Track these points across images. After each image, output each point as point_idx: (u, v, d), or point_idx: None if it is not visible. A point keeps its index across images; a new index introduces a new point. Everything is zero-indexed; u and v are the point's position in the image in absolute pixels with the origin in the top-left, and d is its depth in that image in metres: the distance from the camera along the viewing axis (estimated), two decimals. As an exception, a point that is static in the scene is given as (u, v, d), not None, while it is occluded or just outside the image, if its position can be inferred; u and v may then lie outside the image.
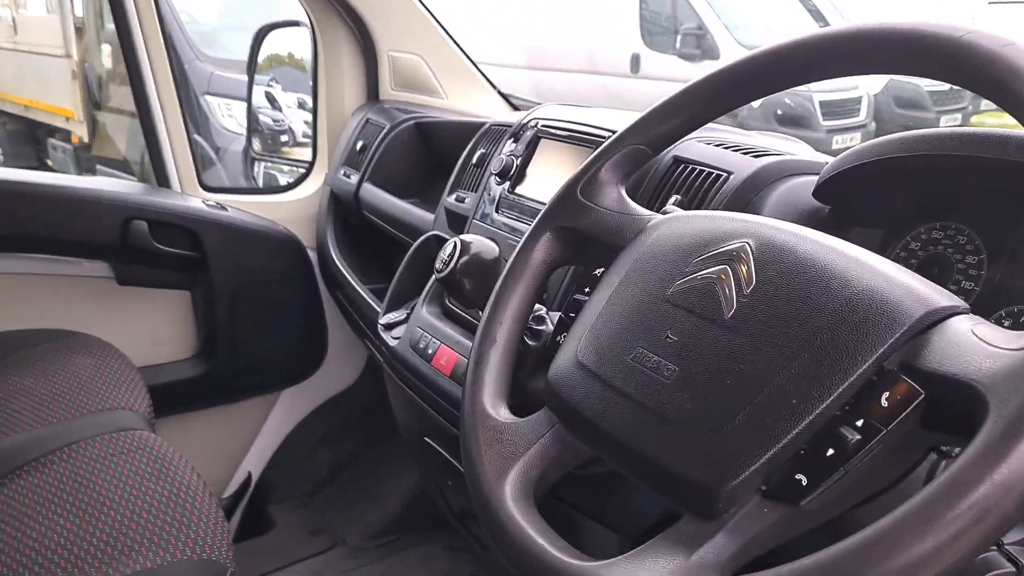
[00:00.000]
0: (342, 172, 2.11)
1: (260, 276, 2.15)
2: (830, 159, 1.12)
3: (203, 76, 6.39)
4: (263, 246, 2.14)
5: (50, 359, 1.69)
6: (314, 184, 2.30)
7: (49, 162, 8.23)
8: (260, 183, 2.80)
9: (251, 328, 2.17)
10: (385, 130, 2.02)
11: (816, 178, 1.05)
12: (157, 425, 2.12)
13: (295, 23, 2.34)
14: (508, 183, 1.34)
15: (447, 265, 0.97)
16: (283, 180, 2.94)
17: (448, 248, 0.99)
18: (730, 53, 8.10)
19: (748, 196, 1.03)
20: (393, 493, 2.16)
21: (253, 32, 2.39)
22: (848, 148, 1.01)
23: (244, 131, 5.56)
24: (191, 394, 2.17)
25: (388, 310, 1.53)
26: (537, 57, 8.46)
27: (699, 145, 1.12)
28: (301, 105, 3.76)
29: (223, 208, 2.12)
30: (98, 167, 7.57)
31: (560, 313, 0.86)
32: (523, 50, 8.36)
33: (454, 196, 1.51)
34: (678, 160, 1.11)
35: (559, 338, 0.83)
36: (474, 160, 1.49)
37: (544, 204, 1.24)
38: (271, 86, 4.04)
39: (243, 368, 2.19)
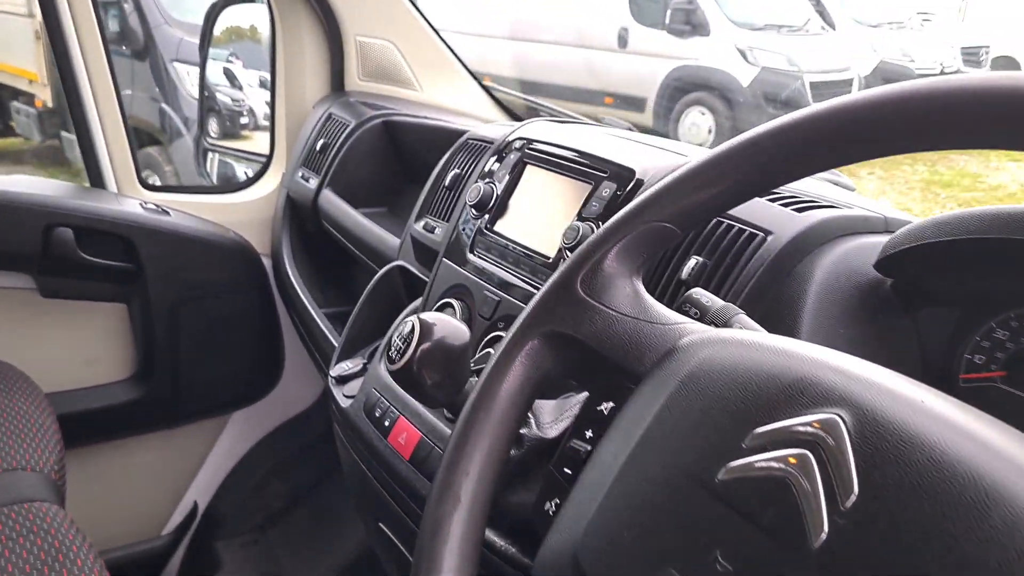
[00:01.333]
0: (300, 174, 1.85)
1: (206, 288, 1.90)
2: (888, 212, 0.89)
3: (172, 42, 6.07)
4: (210, 255, 1.89)
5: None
6: (270, 183, 2.04)
7: (13, 125, 7.87)
8: (214, 175, 2.54)
9: (196, 345, 1.92)
10: (349, 128, 1.77)
11: (875, 238, 0.83)
12: (91, 451, 1.89)
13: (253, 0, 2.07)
14: (486, 216, 1.09)
15: (402, 354, 0.73)
16: (241, 172, 2.68)
17: (404, 329, 0.75)
18: (721, 29, 7.86)
19: (792, 263, 0.80)
20: (351, 536, 1.94)
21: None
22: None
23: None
24: (129, 419, 1.92)
25: (342, 357, 1.29)
26: (519, 28, 8.15)
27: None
28: (263, 84, 3.46)
29: (164, 212, 1.86)
30: (63, 133, 7.24)
31: (551, 467, 0.63)
32: (504, 20, 8.05)
33: (423, 223, 1.27)
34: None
35: (548, 505, 0.59)
36: (447, 181, 1.24)
37: (528, 249, 1.01)
38: (230, 62, 3.73)
39: (187, 390, 1.95)
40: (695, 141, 7.83)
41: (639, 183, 0.92)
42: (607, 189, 0.94)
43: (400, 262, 1.33)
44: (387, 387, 1.10)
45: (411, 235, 1.29)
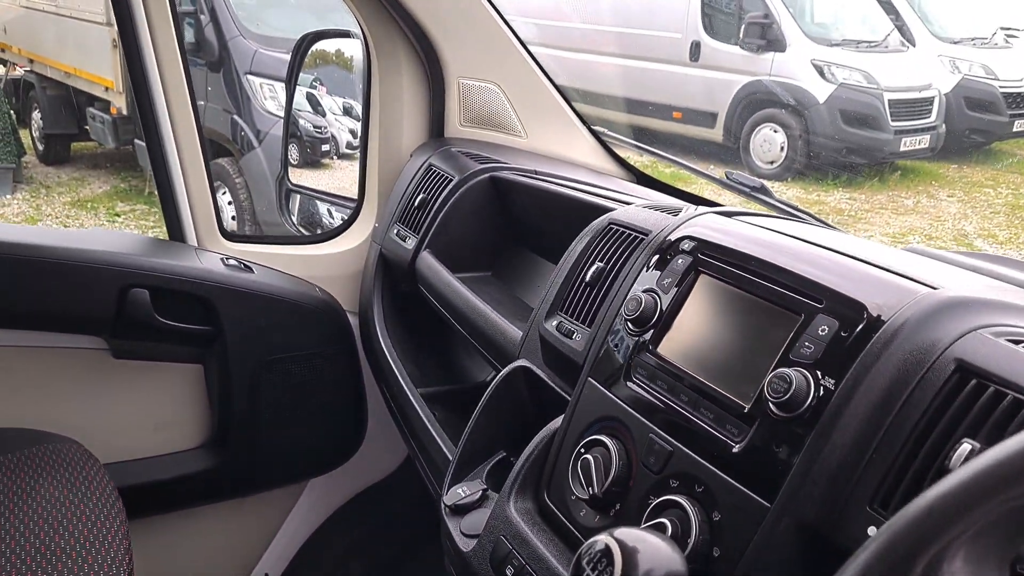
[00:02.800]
0: (395, 231, 1.68)
1: (289, 351, 1.74)
2: None
3: (246, 54, 6.04)
4: (295, 315, 1.73)
5: (14, 484, 1.30)
6: (359, 234, 1.88)
7: (88, 129, 7.98)
8: (295, 216, 2.41)
9: (276, 413, 1.77)
10: (453, 183, 1.59)
11: None
12: (158, 523, 1.75)
13: (346, 34, 1.91)
14: (647, 335, 0.90)
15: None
16: (325, 209, 2.52)
17: (594, 549, 0.56)
18: (797, 44, 7.60)
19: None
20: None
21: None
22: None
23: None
24: (200, 488, 1.78)
25: (456, 477, 1.11)
26: (587, 40, 7.96)
27: (996, 342, 0.67)
28: (348, 111, 3.32)
29: (247, 268, 1.71)
30: (136, 142, 7.30)
31: None
32: (563, 30, 7.86)
33: (556, 322, 1.07)
34: (967, 372, 0.66)
35: None
36: (587, 276, 1.05)
37: (711, 388, 0.81)
38: (314, 87, 3.60)
39: (264, 457, 1.80)
40: (767, 158, 7.57)
41: (874, 323, 0.71)
42: (824, 326, 0.74)
43: (524, 362, 1.14)
44: (521, 538, 0.92)
45: (540, 334, 1.10)
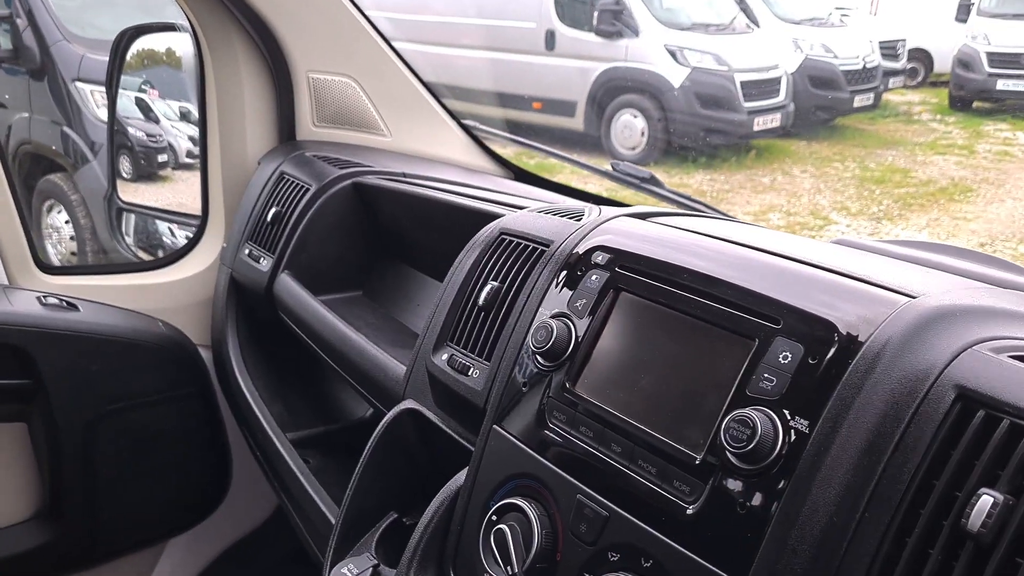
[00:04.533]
0: (247, 251, 1.46)
1: (130, 399, 1.49)
2: None
3: (72, 59, 5.54)
4: (134, 357, 1.48)
5: None
6: (206, 256, 1.64)
7: None
8: (130, 236, 2.10)
9: (119, 470, 1.51)
10: (310, 193, 1.38)
11: None
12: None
13: (171, 27, 1.66)
14: (562, 370, 0.73)
15: None
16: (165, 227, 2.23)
17: None
18: (650, 29, 7.73)
19: None
20: None
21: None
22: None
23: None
24: (34, 568, 1.50)
25: (340, 550, 0.91)
26: (440, 33, 7.79)
27: (999, 361, 0.55)
28: (185, 116, 3.01)
29: (70, 306, 1.44)
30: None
31: None
32: (417, 24, 7.68)
33: (446, 356, 0.90)
34: (971, 401, 0.53)
35: None
36: (480, 299, 0.88)
37: (649, 434, 0.66)
38: (143, 91, 3.25)
39: (110, 523, 1.53)
40: (628, 144, 7.66)
41: (848, 345, 0.57)
42: (786, 352, 0.60)
43: (411, 403, 0.95)
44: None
45: (428, 370, 0.92)
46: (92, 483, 1.49)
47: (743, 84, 7.61)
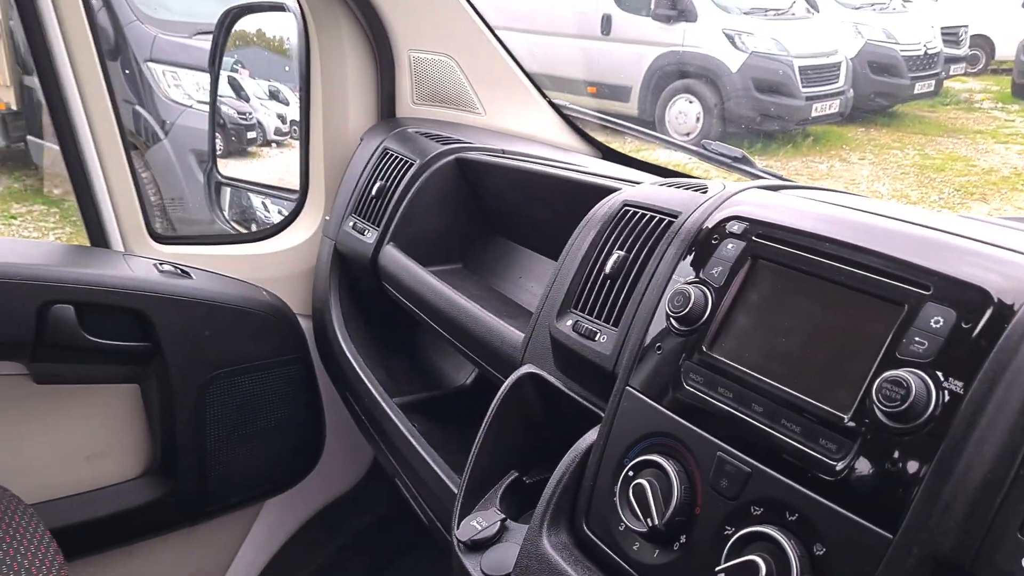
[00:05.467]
0: (351, 224, 1.51)
1: (237, 363, 1.56)
2: None
3: (145, 40, 5.68)
4: (241, 324, 1.55)
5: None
6: (306, 229, 1.70)
7: (-25, 131, 7.46)
8: (227, 211, 2.18)
9: (225, 431, 1.58)
10: (414, 168, 1.43)
11: None
12: (100, 562, 1.55)
13: (279, 6, 1.72)
14: (699, 334, 0.77)
15: None
16: (259, 202, 2.31)
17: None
18: (709, 14, 7.65)
19: None
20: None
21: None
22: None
23: (193, 103, 4.88)
24: (144, 521, 1.58)
25: (467, 505, 0.96)
26: (493, 17, 7.81)
27: None
28: (274, 95, 3.08)
29: (184, 273, 1.52)
30: (29, 138, 6.85)
31: None
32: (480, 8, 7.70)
33: (570, 322, 0.94)
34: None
35: None
36: (608, 268, 0.91)
37: (794, 395, 0.69)
38: (236, 71, 3.34)
39: (215, 481, 1.61)
40: (683, 130, 7.61)
41: (1003, 311, 0.60)
42: (938, 317, 0.62)
43: (531, 368, 1.00)
44: (556, 572, 0.78)
45: (552, 335, 0.96)
46: (202, 443, 1.56)
47: (802, 69, 7.51)
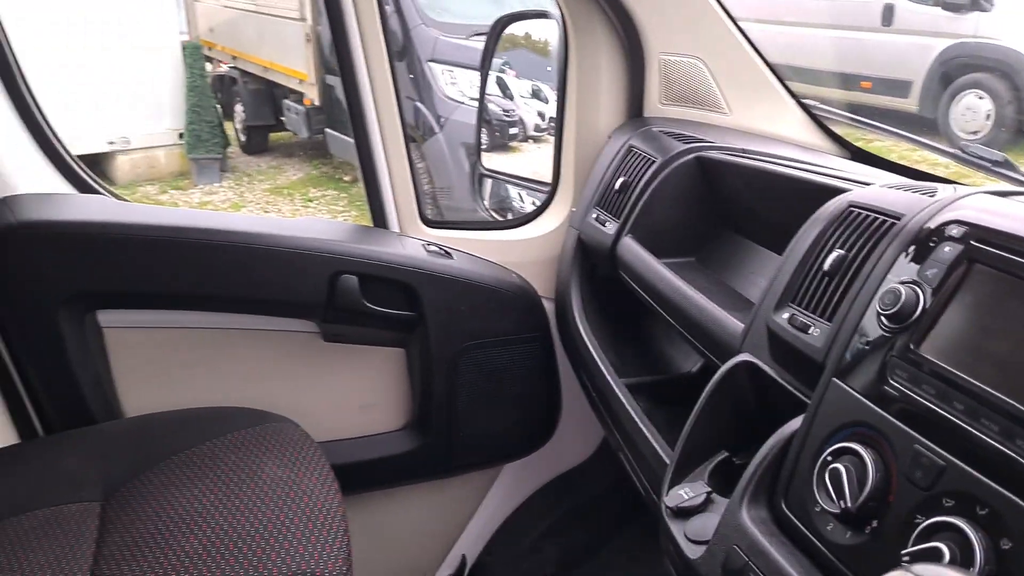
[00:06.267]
0: (594, 216, 1.63)
1: (487, 337, 1.74)
2: None
3: (428, 41, 6.19)
4: (492, 301, 1.73)
5: (240, 463, 1.37)
6: (555, 219, 1.85)
7: (284, 120, 8.51)
8: (487, 201, 2.42)
9: (473, 397, 1.78)
10: (656, 165, 1.52)
11: None
12: (363, 500, 1.80)
13: (542, 14, 1.88)
14: (907, 332, 0.80)
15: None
16: (515, 193, 2.52)
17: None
18: (1005, 2, 6.90)
19: None
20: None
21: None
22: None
23: (466, 100, 5.25)
24: (403, 469, 1.82)
25: (677, 477, 1.05)
26: (764, 8, 7.54)
27: None
28: (535, 94, 3.31)
29: (447, 254, 1.72)
30: (327, 131, 7.69)
31: None
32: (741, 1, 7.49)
33: (787, 315, 0.99)
34: None
35: None
36: (827, 265, 0.96)
37: (987, 390, 0.71)
38: (503, 72, 3.61)
39: (462, 441, 1.81)
40: (969, 128, 6.93)
41: None
42: None
43: (747, 357, 1.06)
44: (758, 550, 0.85)
45: (768, 327, 1.02)
46: (453, 405, 1.77)
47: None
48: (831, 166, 1.43)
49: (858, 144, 1.79)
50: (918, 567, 0.53)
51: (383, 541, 1.88)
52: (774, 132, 1.72)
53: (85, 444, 1.49)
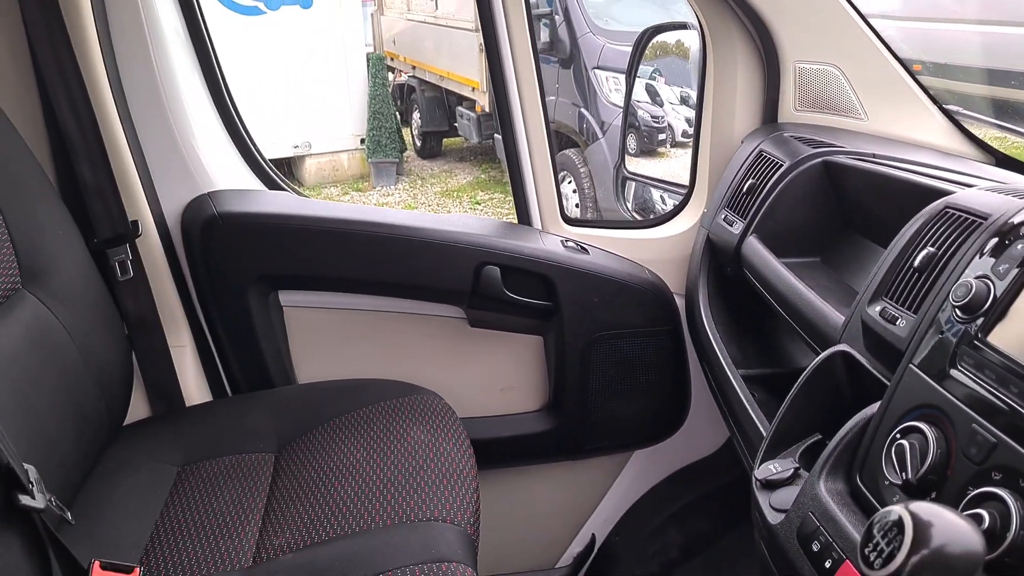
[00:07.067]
0: (723, 216, 1.72)
1: (619, 328, 1.86)
2: None
3: (595, 49, 6.33)
4: (626, 295, 1.84)
5: (390, 426, 1.57)
6: (689, 220, 1.94)
7: (456, 126, 8.91)
8: (630, 202, 2.53)
9: (605, 383, 1.90)
10: (782, 169, 1.59)
11: None
12: (499, 475, 1.97)
13: (683, 26, 1.97)
14: (977, 322, 0.86)
15: (885, 559, 0.56)
16: (658, 196, 2.62)
17: (887, 520, 0.58)
18: None
19: None
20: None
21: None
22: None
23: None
24: (537, 448, 1.97)
25: (769, 453, 1.13)
26: (915, 5, 7.08)
27: None
28: (684, 100, 3.38)
29: (584, 250, 1.86)
30: (495, 136, 7.99)
31: None
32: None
33: (879, 308, 1.05)
34: None
35: None
36: (916, 261, 1.02)
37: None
38: (653, 79, 3.70)
39: (593, 425, 1.94)
40: None
41: None
42: None
43: (844, 347, 1.13)
44: (829, 516, 0.93)
45: (862, 319, 1.08)
46: (585, 391, 1.90)
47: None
48: (968, 171, 1.45)
49: (1013, 149, 1.77)
50: (914, 504, 0.60)
51: (517, 514, 2.03)
52: (913, 138, 1.74)
53: (265, 404, 1.74)
